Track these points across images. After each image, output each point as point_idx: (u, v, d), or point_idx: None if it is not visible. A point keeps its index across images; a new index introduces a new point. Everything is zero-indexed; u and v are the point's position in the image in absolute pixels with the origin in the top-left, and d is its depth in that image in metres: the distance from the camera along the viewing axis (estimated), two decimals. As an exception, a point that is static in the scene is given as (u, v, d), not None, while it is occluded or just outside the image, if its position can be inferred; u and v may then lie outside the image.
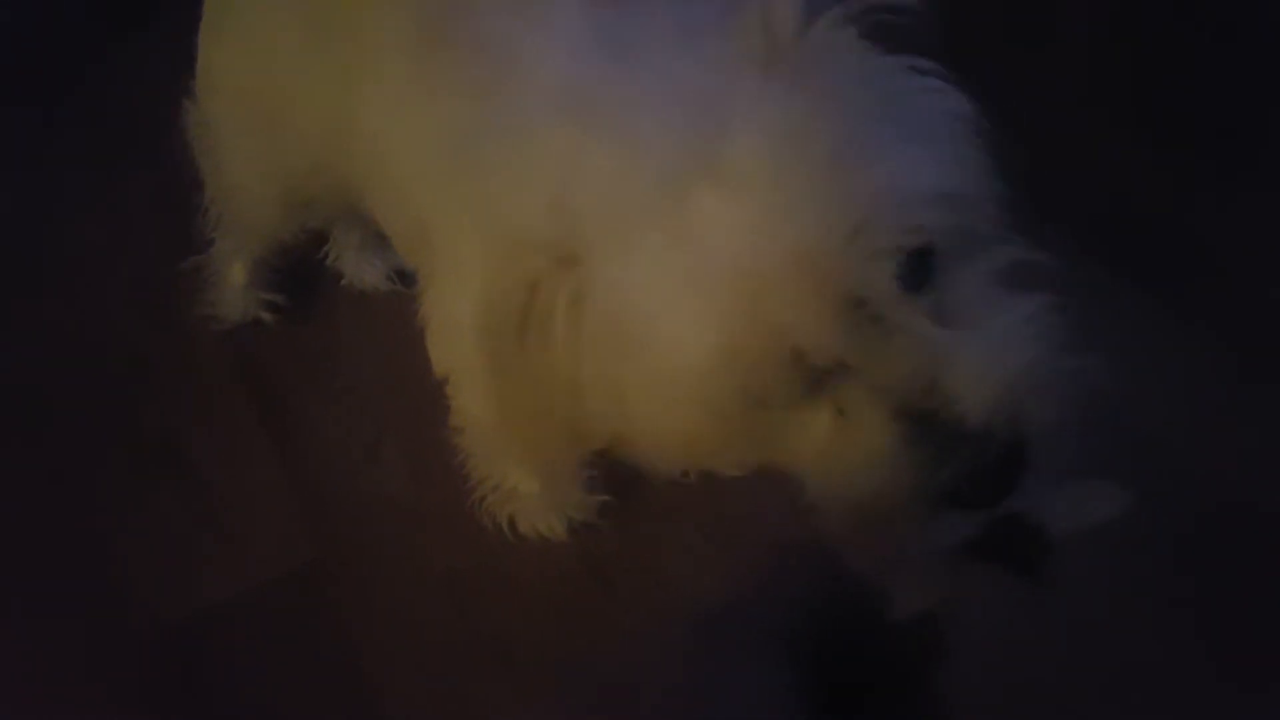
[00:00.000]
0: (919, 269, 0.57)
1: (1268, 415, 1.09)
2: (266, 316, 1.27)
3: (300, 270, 1.28)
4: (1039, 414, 0.57)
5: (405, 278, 1.25)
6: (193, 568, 1.09)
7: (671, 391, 0.58)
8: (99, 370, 1.25)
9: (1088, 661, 0.95)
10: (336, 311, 1.29)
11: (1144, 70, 1.44)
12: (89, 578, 1.09)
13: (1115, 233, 1.24)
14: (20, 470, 1.17)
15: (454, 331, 0.82)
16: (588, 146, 0.61)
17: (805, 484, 0.63)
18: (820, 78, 0.58)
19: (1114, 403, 1.01)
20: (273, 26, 0.91)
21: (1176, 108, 1.39)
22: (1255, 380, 1.11)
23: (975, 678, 0.94)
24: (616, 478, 1.05)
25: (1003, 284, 0.60)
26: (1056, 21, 1.52)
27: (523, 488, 1.04)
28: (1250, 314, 1.18)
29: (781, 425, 0.60)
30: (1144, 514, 0.96)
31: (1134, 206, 1.27)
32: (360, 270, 1.29)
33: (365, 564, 1.08)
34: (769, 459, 0.63)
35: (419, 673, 1.00)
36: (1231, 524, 1.01)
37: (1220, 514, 1.02)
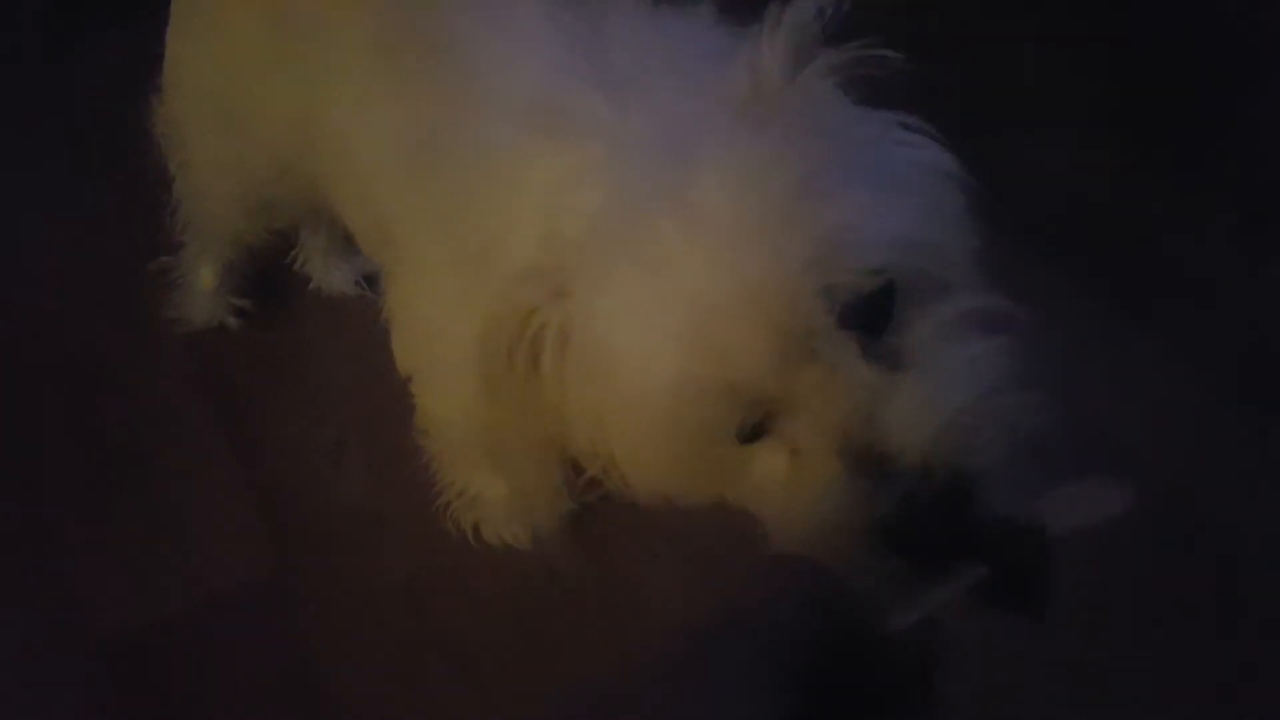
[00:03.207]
0: (878, 310, 0.58)
1: (1254, 437, 1.10)
2: (232, 321, 1.25)
3: (267, 275, 1.27)
4: (983, 451, 0.57)
5: (373, 282, 1.25)
6: (153, 574, 1.07)
7: (639, 422, 0.60)
8: (61, 374, 1.24)
9: (1073, 682, 0.94)
10: (302, 316, 1.28)
11: (1133, 88, 1.45)
12: (47, 584, 1.07)
13: (1096, 255, 1.25)
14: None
15: (417, 330, 0.81)
16: (577, 178, 0.63)
17: (763, 521, 0.64)
18: (792, 122, 0.60)
19: (1106, 425, 1.02)
20: (239, 26, 0.91)
21: (1160, 129, 1.40)
22: (1244, 402, 1.12)
23: (962, 700, 0.93)
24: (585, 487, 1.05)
25: (963, 329, 0.61)
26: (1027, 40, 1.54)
27: (488, 493, 1.03)
28: (1237, 337, 1.18)
29: (741, 463, 0.61)
30: (1130, 533, 0.98)
31: (1117, 227, 1.29)
32: (328, 275, 1.28)
33: (327, 571, 1.06)
34: (732, 496, 0.64)
35: (378, 681, 0.99)
36: (1216, 544, 1.02)
37: (1205, 533, 1.03)
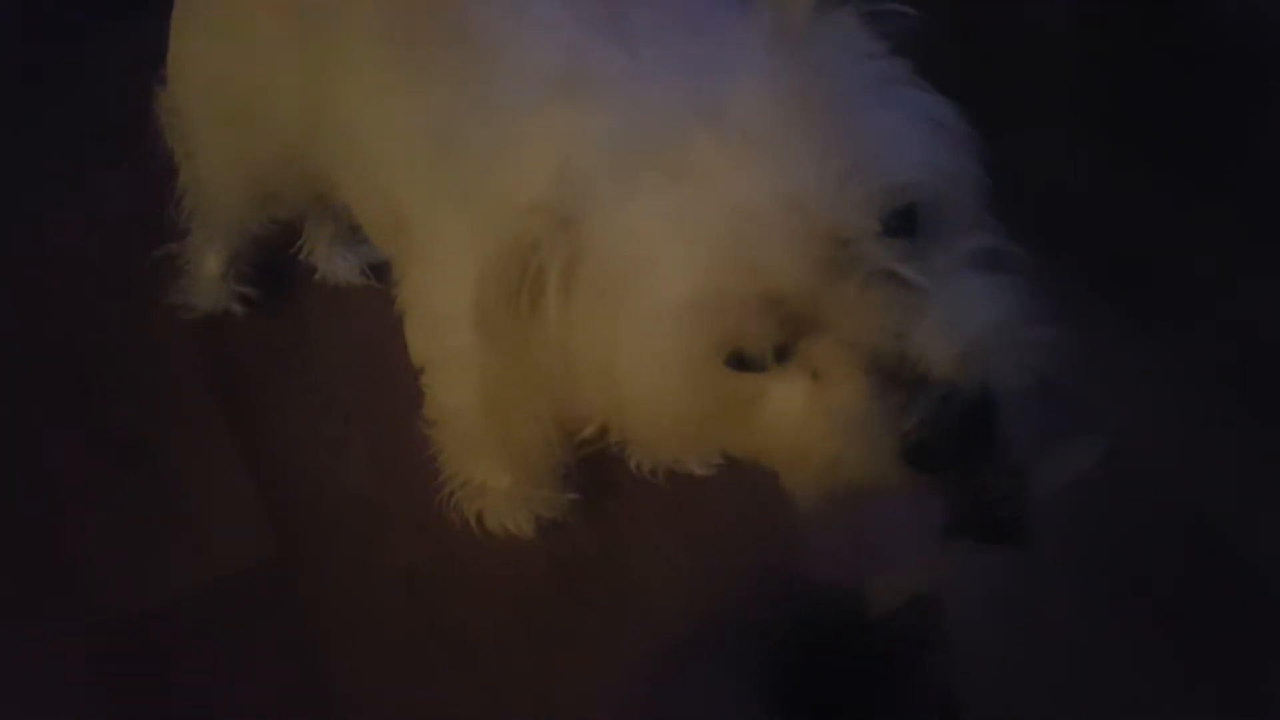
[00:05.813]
0: (900, 230, 0.58)
1: (1252, 441, 1.10)
2: (237, 308, 1.26)
3: (273, 263, 1.27)
4: (1006, 374, 0.58)
5: (378, 272, 1.25)
6: (156, 560, 1.08)
7: (655, 342, 0.58)
8: (67, 359, 1.24)
9: (1057, 685, 0.95)
10: (308, 306, 1.28)
11: (1134, 92, 1.45)
12: (51, 567, 1.07)
13: (1097, 258, 1.26)
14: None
15: (432, 320, 0.81)
16: (591, 117, 0.62)
17: (781, 468, 0.64)
18: (823, 49, 0.61)
19: (1106, 429, 1.03)
20: (244, 15, 0.91)
21: (1163, 133, 1.40)
22: (1244, 405, 1.13)
23: (944, 703, 0.93)
24: (589, 477, 1.05)
25: (978, 263, 0.61)
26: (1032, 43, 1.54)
27: (492, 483, 1.03)
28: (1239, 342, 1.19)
29: (753, 397, 0.60)
30: (1125, 534, 0.98)
31: (1121, 234, 1.28)
32: (333, 265, 1.28)
33: (329, 560, 1.07)
34: (741, 439, 0.63)
35: (379, 668, 0.99)
36: (1208, 543, 1.02)
37: (1197, 533, 1.03)
